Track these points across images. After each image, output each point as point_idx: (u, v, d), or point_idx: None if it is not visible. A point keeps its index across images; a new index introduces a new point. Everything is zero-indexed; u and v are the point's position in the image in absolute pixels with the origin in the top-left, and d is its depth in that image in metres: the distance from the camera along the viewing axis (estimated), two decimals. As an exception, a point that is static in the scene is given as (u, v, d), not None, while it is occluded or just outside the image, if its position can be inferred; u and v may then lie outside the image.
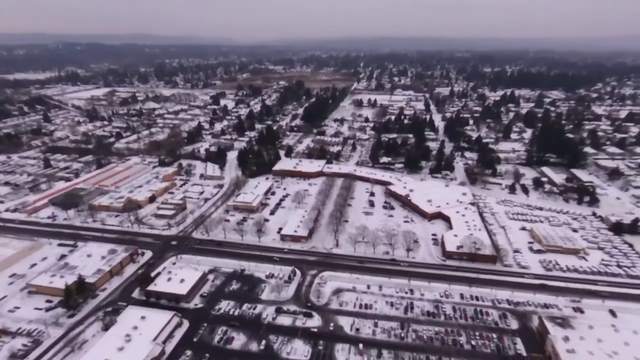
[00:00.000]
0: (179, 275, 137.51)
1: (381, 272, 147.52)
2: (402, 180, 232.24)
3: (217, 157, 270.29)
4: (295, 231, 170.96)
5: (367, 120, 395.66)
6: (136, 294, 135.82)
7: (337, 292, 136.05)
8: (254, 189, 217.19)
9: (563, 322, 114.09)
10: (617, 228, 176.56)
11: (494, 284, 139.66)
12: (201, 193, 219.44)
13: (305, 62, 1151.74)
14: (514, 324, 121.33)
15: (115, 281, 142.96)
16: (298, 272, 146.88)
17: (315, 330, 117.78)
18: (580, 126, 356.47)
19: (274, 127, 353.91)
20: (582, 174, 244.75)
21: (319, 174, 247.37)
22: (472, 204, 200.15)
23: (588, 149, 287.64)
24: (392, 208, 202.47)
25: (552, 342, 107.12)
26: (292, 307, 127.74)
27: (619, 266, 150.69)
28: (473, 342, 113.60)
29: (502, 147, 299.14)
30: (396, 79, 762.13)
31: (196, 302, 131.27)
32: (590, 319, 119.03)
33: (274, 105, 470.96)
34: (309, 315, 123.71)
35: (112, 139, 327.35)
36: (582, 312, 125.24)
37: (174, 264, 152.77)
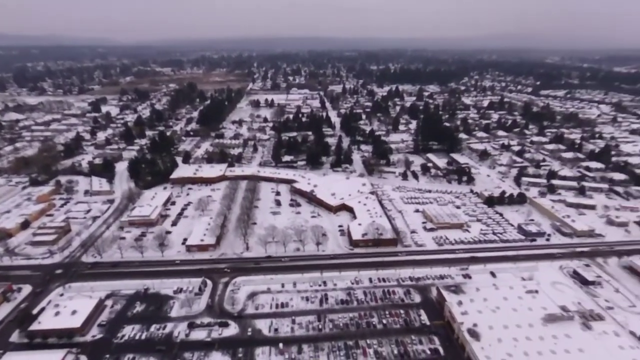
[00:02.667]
0: (70, 307, 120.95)
1: (294, 269, 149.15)
2: (306, 176, 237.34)
3: (104, 169, 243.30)
4: (202, 240, 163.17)
5: (265, 120, 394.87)
6: (15, 337, 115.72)
7: (252, 296, 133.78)
8: (151, 201, 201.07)
9: (456, 289, 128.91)
10: (490, 201, 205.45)
11: (397, 265, 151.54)
12: (88, 211, 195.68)
13: (195, 63, 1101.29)
14: (417, 298, 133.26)
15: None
16: (209, 282, 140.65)
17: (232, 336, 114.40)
18: (454, 115, 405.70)
19: (168, 133, 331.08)
20: (460, 157, 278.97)
21: (222, 178, 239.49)
22: (372, 193, 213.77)
23: (462, 135, 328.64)
24: (299, 205, 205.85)
25: (448, 308, 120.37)
26: (206, 320, 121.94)
27: (494, 233, 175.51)
28: (384, 321, 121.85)
29: (393, 139, 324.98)
30: (291, 78, 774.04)
31: (94, 334, 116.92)
32: (476, 283, 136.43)
33: (165, 109, 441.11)
34: (225, 325, 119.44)
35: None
36: (470, 277, 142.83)
37: (62, 295, 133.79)
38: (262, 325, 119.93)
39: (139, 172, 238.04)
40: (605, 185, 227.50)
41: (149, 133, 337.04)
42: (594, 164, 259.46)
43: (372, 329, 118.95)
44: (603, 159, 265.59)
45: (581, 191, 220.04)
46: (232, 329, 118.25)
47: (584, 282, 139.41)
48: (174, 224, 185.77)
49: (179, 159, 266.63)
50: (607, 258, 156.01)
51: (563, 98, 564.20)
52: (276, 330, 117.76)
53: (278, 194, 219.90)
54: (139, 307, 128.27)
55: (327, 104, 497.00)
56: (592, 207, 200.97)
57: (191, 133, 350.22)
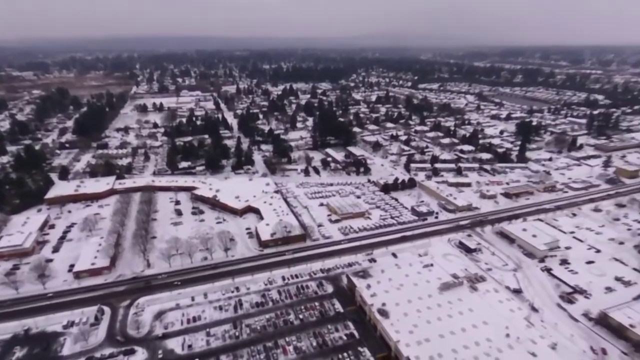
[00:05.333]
0: None
1: (203, 279, 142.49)
2: (207, 182, 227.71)
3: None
4: (93, 263, 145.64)
5: (156, 125, 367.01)
6: None
7: (160, 315, 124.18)
8: (23, 227, 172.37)
9: (364, 274, 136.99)
10: (385, 188, 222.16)
11: (308, 259, 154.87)
12: None
13: (64, 65, 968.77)
14: (329, 288, 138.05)
15: None
16: (107, 309, 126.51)
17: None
18: (347, 111, 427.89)
19: (37, 147, 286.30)
20: (355, 150, 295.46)
21: (110, 192, 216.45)
22: (276, 192, 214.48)
23: (356, 129, 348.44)
24: (202, 212, 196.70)
25: (359, 293, 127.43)
26: (108, 351, 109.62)
27: (392, 217, 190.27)
28: (301, 316, 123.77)
29: (292, 136, 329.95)
30: (180, 79, 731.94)
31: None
32: (381, 265, 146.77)
33: (30, 120, 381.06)
34: (131, 352, 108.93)
35: None
36: (375, 261, 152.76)
37: None
38: (174, 344, 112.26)
39: (3, 194, 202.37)
40: (476, 165, 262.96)
41: (11, 148, 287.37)
42: (466, 147, 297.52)
43: (290, 326, 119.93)
44: (473, 142, 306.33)
45: (459, 171, 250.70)
46: (140, 355, 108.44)
47: (467, 250, 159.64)
48: (56, 250, 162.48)
49: (54, 176, 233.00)
50: (484, 227, 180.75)
51: (437, 90, 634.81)
52: (190, 346, 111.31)
53: (178, 203, 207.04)
54: (19, 353, 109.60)
55: (222, 105, 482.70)
56: (468, 185, 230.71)
57: (67, 145, 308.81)
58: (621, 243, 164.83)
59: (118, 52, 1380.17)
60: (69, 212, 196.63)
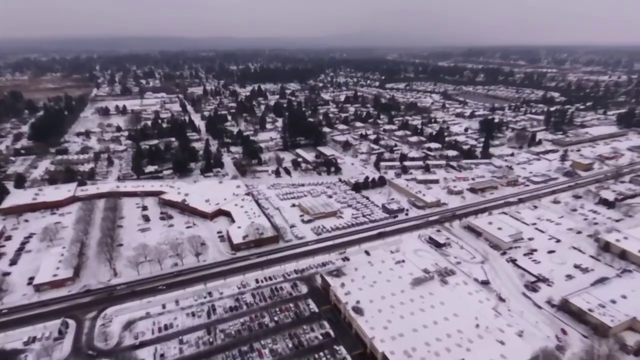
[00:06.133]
0: None
1: (175, 286, 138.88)
2: (175, 186, 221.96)
3: None
4: (55, 275, 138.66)
5: (119, 129, 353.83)
6: None
7: (129, 325, 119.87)
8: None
9: (338, 273, 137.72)
10: (357, 187, 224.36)
11: (281, 261, 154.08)
12: None
13: (17, 67, 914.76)
14: (304, 289, 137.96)
15: None
16: (71, 322, 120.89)
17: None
18: (316, 111, 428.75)
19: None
20: (326, 150, 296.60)
21: (72, 200, 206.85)
22: (248, 194, 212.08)
23: (325, 129, 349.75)
24: (171, 217, 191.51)
25: (333, 292, 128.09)
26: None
27: (363, 216, 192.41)
28: (276, 318, 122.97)
29: (262, 137, 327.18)
30: (143, 81, 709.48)
31: None
32: (354, 263, 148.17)
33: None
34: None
35: None
36: (348, 259, 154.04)
37: None
38: (145, 354, 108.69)
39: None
40: (443, 162, 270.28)
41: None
42: (433, 145, 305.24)
43: (265, 328, 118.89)
44: (439, 140, 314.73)
45: (427, 169, 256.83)
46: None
47: (437, 245, 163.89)
48: (13, 262, 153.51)
49: (9, 184, 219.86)
50: (452, 222, 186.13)
51: (404, 90, 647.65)
52: (162, 355, 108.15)
53: (145, 208, 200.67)
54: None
55: (189, 107, 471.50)
56: (436, 181, 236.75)
57: (22, 151, 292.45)
58: (579, 232, 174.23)
59: (76, 53, 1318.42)
60: (27, 221, 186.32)
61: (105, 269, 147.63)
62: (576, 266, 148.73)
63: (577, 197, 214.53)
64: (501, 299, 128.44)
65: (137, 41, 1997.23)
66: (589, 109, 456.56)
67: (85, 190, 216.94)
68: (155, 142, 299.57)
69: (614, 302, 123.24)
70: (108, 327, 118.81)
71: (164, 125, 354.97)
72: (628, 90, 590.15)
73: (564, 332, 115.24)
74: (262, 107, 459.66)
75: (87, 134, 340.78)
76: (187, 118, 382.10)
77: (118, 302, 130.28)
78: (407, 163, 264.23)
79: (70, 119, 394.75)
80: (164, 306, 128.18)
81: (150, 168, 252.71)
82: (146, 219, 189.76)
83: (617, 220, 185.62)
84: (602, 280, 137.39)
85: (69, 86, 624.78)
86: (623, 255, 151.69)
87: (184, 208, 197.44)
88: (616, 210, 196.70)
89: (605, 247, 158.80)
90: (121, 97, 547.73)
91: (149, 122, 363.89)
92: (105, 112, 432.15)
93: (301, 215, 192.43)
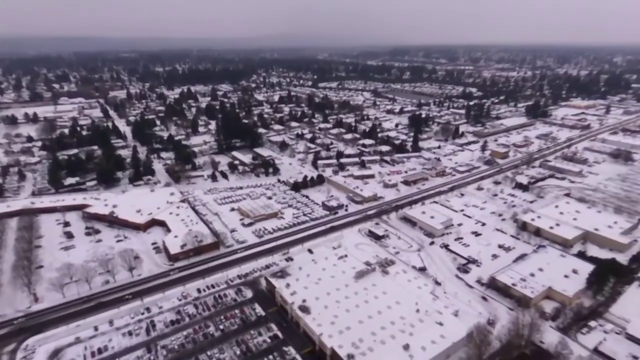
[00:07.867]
0: None
1: (107, 305, 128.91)
2: (101, 197, 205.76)
3: None
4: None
5: (30, 139, 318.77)
6: None
7: (56, 353, 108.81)
8: None
9: (282, 273, 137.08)
10: (296, 187, 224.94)
11: (224, 267, 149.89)
12: None
13: None
14: (249, 294, 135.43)
15: None
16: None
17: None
18: (250, 112, 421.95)
19: None
20: (263, 151, 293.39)
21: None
22: (183, 201, 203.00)
23: (261, 130, 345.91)
24: (98, 232, 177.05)
25: (279, 293, 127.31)
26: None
27: (304, 215, 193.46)
28: (221, 327, 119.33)
29: (194, 141, 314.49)
30: (57, 85, 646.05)
31: None
32: (298, 262, 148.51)
33: None
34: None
35: None
36: (292, 259, 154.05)
37: None
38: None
39: None
40: (377, 157, 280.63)
41: None
42: (367, 141, 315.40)
43: (210, 339, 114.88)
44: (372, 136, 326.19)
45: (362, 165, 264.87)
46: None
47: (377, 237, 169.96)
48: None
49: None
50: (389, 214, 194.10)
51: (336, 88, 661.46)
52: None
53: (67, 224, 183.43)
54: None
55: (112, 112, 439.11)
56: (372, 176, 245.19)
57: None
58: (500, 215, 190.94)
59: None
60: None
61: (24, 295, 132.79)
62: (500, 246, 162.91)
63: (497, 183, 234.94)
64: (437, 283, 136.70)
65: (46, 41, 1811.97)
66: (502, 102, 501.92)
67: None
68: (74, 151, 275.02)
69: (532, 275, 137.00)
70: (31, 359, 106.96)
71: (84, 132, 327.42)
72: (533, 84, 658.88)
73: (484, 298, 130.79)
74: (193, 109, 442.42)
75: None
76: (110, 124, 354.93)
77: (41, 330, 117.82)
78: (343, 160, 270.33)
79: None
80: (96, 328, 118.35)
81: (70, 180, 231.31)
82: (69, 235, 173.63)
83: (531, 202, 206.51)
84: (522, 257, 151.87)
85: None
86: (538, 232, 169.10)
87: (112, 221, 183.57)
88: (530, 192, 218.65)
89: (523, 226, 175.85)
90: (31, 103, 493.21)
91: (66, 130, 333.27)
92: (12, 120, 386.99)
93: (241, 219, 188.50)
